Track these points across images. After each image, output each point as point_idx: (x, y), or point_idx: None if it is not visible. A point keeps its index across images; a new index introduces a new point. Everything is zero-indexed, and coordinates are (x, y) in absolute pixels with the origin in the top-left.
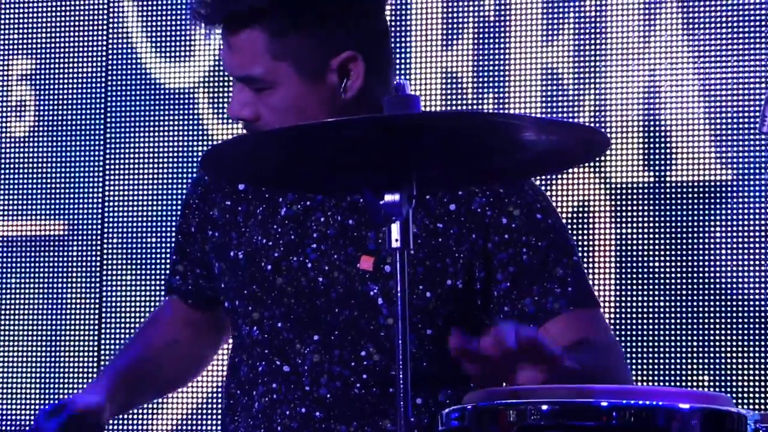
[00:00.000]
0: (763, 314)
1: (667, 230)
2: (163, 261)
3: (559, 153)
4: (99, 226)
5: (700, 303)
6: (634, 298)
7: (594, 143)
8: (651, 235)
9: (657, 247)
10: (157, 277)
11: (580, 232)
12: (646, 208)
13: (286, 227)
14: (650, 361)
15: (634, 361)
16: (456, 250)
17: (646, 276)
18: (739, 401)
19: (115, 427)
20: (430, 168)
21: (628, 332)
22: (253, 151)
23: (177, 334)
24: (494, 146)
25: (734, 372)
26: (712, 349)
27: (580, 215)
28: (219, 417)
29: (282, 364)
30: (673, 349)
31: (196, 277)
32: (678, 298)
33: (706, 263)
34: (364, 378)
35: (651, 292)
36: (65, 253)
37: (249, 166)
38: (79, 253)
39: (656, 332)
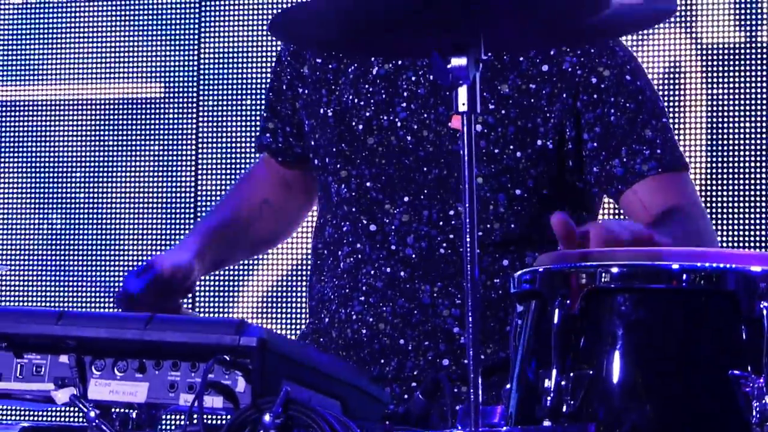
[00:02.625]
0: None
1: (758, 90)
2: (258, 123)
3: (629, 17)
4: (195, 89)
5: None
6: (726, 160)
7: (662, 8)
8: (742, 96)
9: (749, 107)
10: (253, 138)
11: (670, 92)
12: (736, 67)
13: (377, 86)
14: (739, 225)
15: (722, 225)
16: (548, 110)
17: (737, 137)
18: None
19: (210, 287)
20: (500, 31)
21: (718, 195)
22: (320, 14)
23: (268, 193)
24: (561, 11)
25: None
26: None
27: (671, 75)
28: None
29: (368, 223)
30: (764, 213)
31: (286, 135)
32: None
33: None
34: (450, 238)
35: (743, 154)
36: (162, 116)
37: (316, 29)
38: (176, 115)
39: (747, 195)
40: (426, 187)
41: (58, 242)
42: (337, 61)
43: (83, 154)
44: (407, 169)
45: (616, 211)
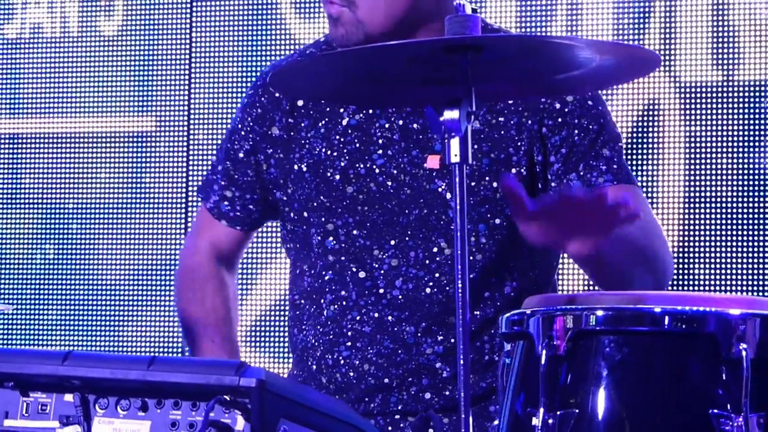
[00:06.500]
0: None
1: (736, 128)
2: None
3: (612, 70)
4: (185, 122)
5: None
6: (703, 196)
7: (646, 61)
8: (719, 134)
9: (726, 144)
10: None
11: (649, 129)
12: (714, 106)
13: (349, 136)
14: (720, 262)
15: (701, 263)
16: (518, 139)
17: (715, 175)
18: None
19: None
20: (489, 85)
21: (697, 233)
22: (315, 70)
23: (220, 280)
24: (549, 66)
25: None
26: None
27: (650, 114)
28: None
29: (358, 270)
30: (745, 251)
31: (244, 202)
32: (747, 197)
33: None
34: (436, 276)
35: (720, 191)
36: (153, 149)
37: (314, 84)
38: (167, 149)
39: (726, 233)
40: (410, 228)
41: (53, 275)
42: (308, 118)
43: (75, 186)
44: (390, 213)
45: None
